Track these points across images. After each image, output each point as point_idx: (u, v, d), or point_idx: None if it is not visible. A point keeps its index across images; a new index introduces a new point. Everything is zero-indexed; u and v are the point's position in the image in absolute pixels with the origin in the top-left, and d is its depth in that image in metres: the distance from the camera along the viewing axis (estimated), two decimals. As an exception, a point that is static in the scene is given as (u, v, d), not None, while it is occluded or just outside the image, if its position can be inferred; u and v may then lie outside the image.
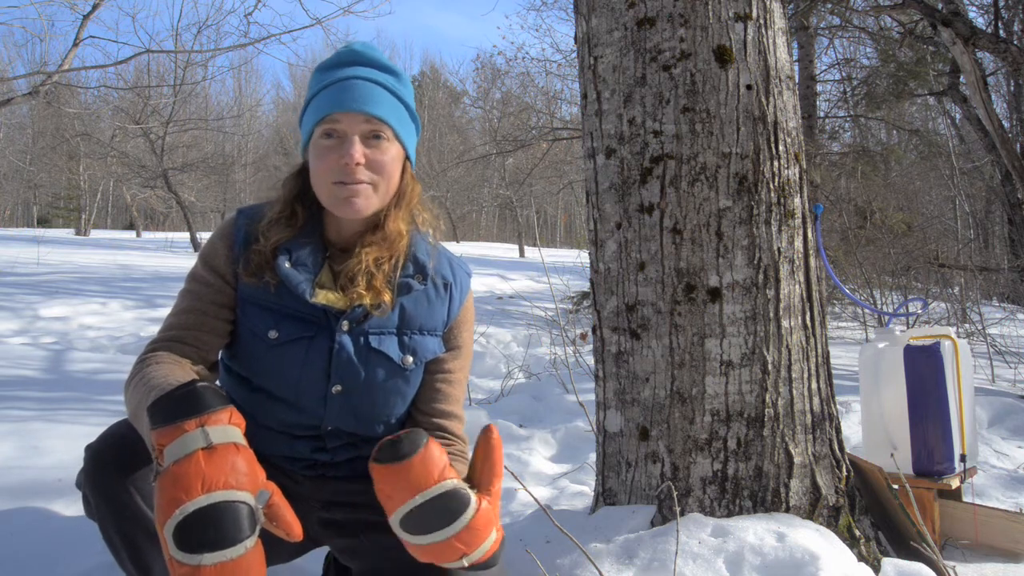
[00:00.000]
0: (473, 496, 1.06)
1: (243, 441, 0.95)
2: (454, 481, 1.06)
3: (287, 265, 1.25)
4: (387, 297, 1.27)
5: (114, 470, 1.12)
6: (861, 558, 1.59)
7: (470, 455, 1.17)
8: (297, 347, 1.27)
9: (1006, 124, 9.92)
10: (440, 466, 1.05)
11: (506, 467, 1.45)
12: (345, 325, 1.27)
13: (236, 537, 0.87)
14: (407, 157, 1.32)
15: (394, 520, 1.06)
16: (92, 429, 1.23)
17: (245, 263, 1.27)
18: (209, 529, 0.86)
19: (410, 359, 1.31)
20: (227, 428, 0.94)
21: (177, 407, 0.94)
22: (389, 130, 1.24)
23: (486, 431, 1.11)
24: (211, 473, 0.88)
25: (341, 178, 1.21)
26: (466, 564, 1.06)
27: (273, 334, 1.26)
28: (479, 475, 1.11)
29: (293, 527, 0.97)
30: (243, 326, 1.29)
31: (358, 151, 1.20)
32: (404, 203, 1.31)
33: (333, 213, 1.27)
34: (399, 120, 1.27)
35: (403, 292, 1.30)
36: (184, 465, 0.88)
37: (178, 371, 1.16)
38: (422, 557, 1.07)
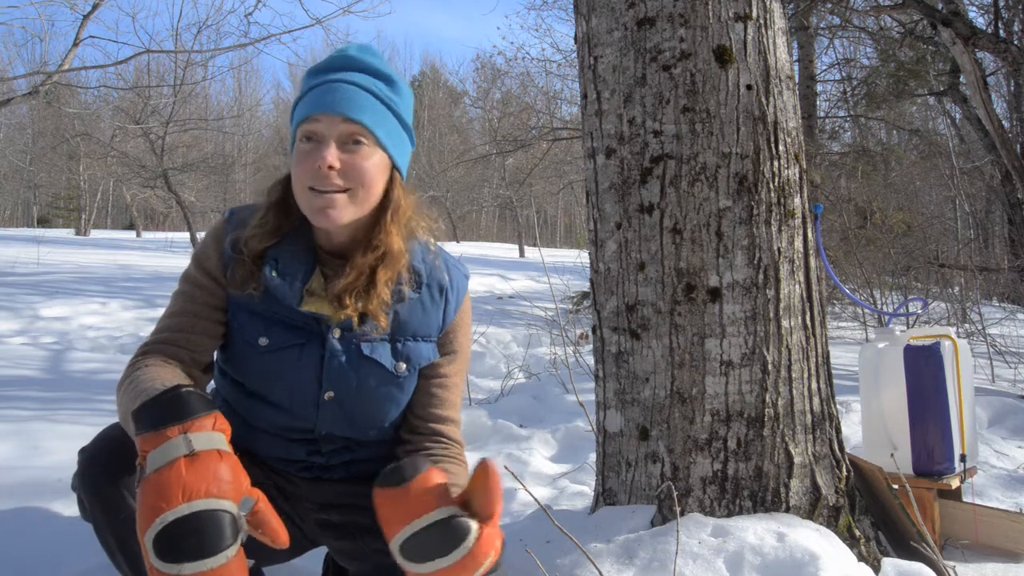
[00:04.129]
0: (473, 524, 0.99)
1: (227, 448, 0.93)
2: (451, 509, 0.99)
3: (273, 275, 1.22)
4: (384, 321, 1.24)
5: (107, 473, 1.11)
6: (861, 558, 1.59)
7: (467, 459, 1.14)
8: (288, 354, 1.25)
9: (1006, 124, 9.92)
10: (439, 494, 0.99)
11: (506, 467, 1.45)
12: (336, 332, 1.25)
13: (217, 546, 0.85)
14: (395, 168, 1.26)
15: (393, 547, 1.00)
16: (92, 429, 1.23)
17: (231, 274, 1.25)
18: (189, 538, 0.84)
19: (403, 366, 1.29)
20: (211, 435, 0.92)
21: (161, 413, 0.93)
22: (370, 136, 1.19)
23: (483, 464, 1.02)
24: (192, 481, 0.87)
25: (315, 183, 1.17)
26: None
27: (263, 341, 1.24)
28: (480, 504, 1.03)
29: (279, 535, 0.95)
30: (234, 331, 1.27)
31: (331, 155, 1.15)
32: (400, 217, 1.26)
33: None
34: (384, 127, 1.21)
35: (397, 299, 1.27)
36: (165, 473, 0.87)
37: (167, 374, 1.14)
38: None
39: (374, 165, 1.20)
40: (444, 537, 0.96)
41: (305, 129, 1.19)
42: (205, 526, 0.85)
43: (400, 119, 1.26)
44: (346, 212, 1.19)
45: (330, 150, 1.16)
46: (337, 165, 1.16)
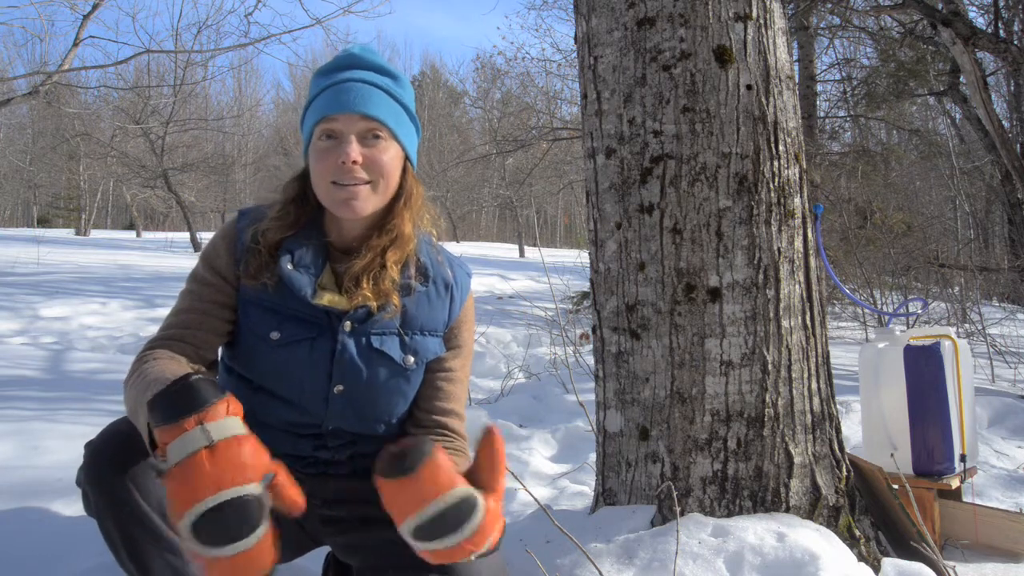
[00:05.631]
0: (480, 499, 1.05)
1: (243, 430, 0.96)
2: (463, 489, 1.03)
3: (289, 266, 1.26)
4: (396, 299, 1.28)
5: (113, 467, 1.12)
6: (861, 558, 1.59)
7: (471, 453, 1.16)
8: (299, 348, 1.27)
9: (1006, 124, 9.92)
10: (448, 474, 1.03)
11: (506, 467, 1.45)
12: (347, 326, 1.28)
13: (249, 528, 0.90)
14: (407, 158, 1.32)
15: (404, 530, 1.04)
16: (92, 429, 1.23)
17: (245, 265, 1.28)
18: (222, 526, 0.89)
19: (412, 359, 1.32)
20: (226, 422, 0.94)
21: (174, 404, 0.94)
22: (386, 130, 1.25)
23: (488, 432, 1.09)
24: (217, 473, 0.90)
25: (339, 178, 1.22)
26: (473, 559, 1.07)
27: (275, 335, 1.27)
28: (484, 474, 1.09)
29: (296, 503, 0.99)
30: (245, 327, 1.29)
31: (355, 150, 1.21)
32: (411, 204, 1.32)
33: (334, 214, 1.28)
34: (397, 121, 1.28)
35: (405, 293, 1.31)
36: (189, 466, 0.90)
37: (175, 366, 1.17)
38: (433, 560, 1.06)
39: (392, 158, 1.27)
40: (455, 518, 1.02)
41: (323, 128, 1.24)
42: (236, 513, 0.90)
43: (408, 111, 1.32)
44: (369, 203, 1.25)
45: (352, 146, 1.22)
46: (360, 160, 1.22)
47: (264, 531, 0.92)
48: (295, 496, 0.99)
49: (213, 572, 0.90)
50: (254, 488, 0.92)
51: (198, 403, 0.94)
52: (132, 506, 1.10)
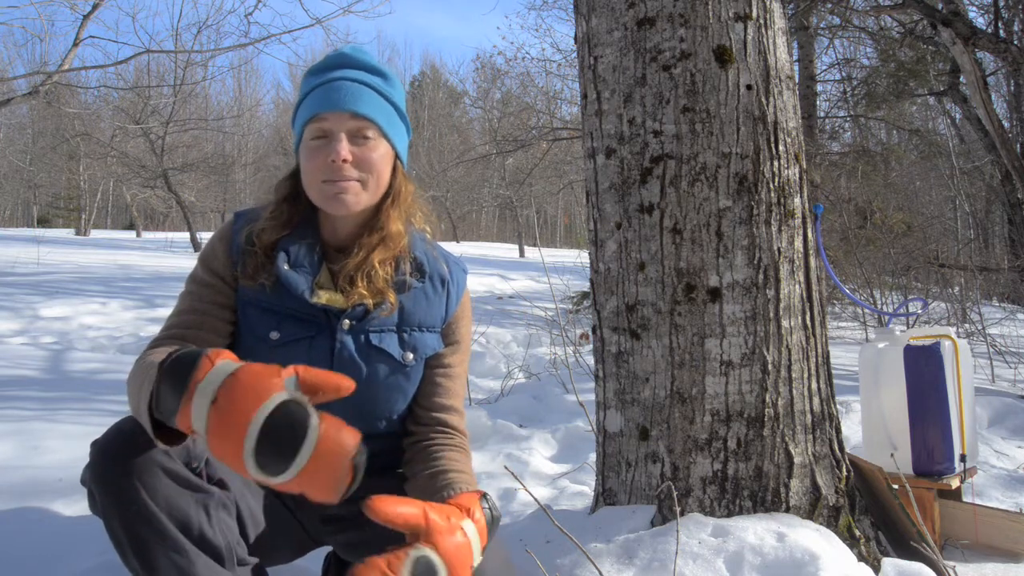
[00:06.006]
0: (436, 559, 0.99)
1: (235, 366, 0.91)
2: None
3: (285, 266, 1.26)
4: (392, 297, 1.29)
5: (120, 466, 1.12)
6: (861, 558, 1.59)
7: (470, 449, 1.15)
8: (298, 347, 1.28)
9: (1006, 124, 9.91)
10: None
11: (506, 467, 1.46)
12: (346, 324, 1.28)
13: (299, 434, 0.86)
14: (397, 156, 1.33)
15: None
16: (92, 429, 1.23)
17: (242, 267, 1.28)
18: (273, 451, 0.85)
19: (411, 356, 1.33)
20: (216, 369, 0.91)
21: (170, 390, 0.93)
22: (375, 128, 1.26)
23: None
24: (233, 417, 0.86)
25: (329, 176, 1.23)
26: None
27: (274, 335, 1.27)
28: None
29: (340, 384, 0.95)
30: (244, 328, 1.30)
31: (344, 148, 1.23)
32: (400, 202, 1.33)
33: (326, 212, 1.29)
34: (386, 119, 1.29)
35: (401, 290, 1.32)
36: (210, 428, 0.87)
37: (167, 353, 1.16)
38: None
39: (381, 156, 1.28)
40: None
41: (314, 126, 1.25)
42: (274, 433, 0.85)
43: (397, 109, 1.33)
44: (360, 199, 1.26)
45: (342, 144, 1.23)
46: (350, 158, 1.24)
47: (317, 421, 0.87)
48: (333, 380, 0.95)
49: (305, 485, 0.86)
50: (278, 396, 0.88)
51: (183, 378, 0.92)
52: (139, 505, 1.09)
